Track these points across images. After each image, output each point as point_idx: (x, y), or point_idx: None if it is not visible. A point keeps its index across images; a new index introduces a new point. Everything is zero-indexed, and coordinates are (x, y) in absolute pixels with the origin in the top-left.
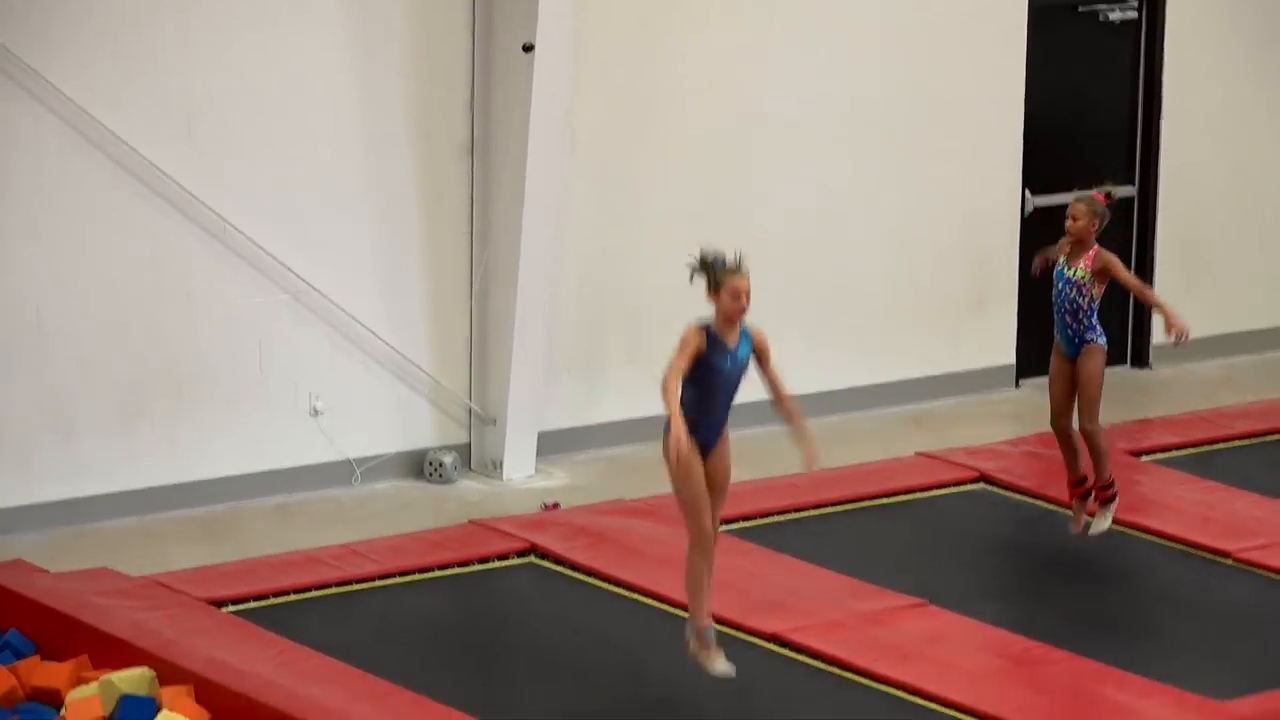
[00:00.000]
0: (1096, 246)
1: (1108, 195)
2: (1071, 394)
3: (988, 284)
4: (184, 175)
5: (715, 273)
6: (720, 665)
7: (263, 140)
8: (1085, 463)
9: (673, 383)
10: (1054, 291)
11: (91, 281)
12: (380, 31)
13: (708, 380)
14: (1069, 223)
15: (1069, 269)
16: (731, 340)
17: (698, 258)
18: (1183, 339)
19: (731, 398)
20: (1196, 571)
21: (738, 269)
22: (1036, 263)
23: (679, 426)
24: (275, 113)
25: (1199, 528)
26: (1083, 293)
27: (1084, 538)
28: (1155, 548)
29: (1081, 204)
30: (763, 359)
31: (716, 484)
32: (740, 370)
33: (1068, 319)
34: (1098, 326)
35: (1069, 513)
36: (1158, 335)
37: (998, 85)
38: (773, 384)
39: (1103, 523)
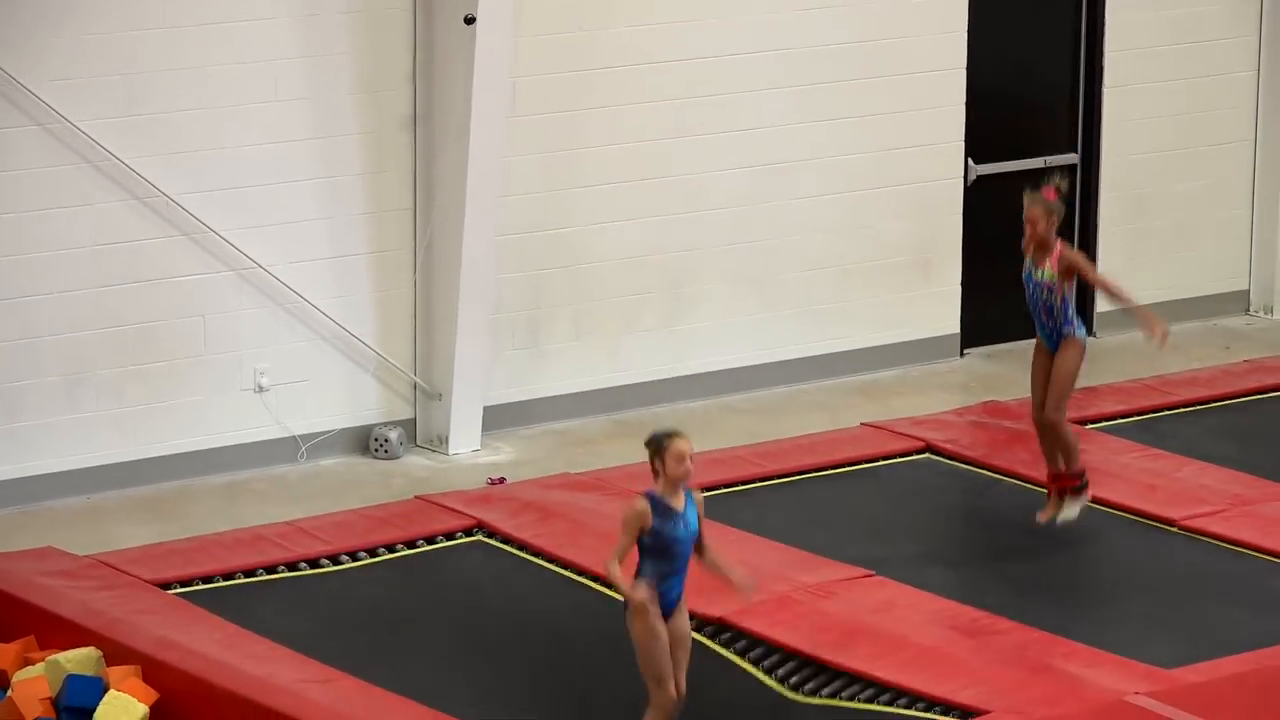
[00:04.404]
0: (1060, 244)
1: (1057, 189)
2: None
3: (931, 254)
4: (126, 150)
5: (658, 444)
6: None
7: (205, 114)
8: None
9: (614, 567)
10: (1026, 294)
11: (34, 259)
12: (322, 4)
13: (665, 550)
14: (1028, 228)
15: (1037, 271)
16: (679, 504)
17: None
18: (1165, 339)
19: (688, 559)
20: (1143, 539)
21: (678, 434)
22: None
23: (632, 590)
24: (217, 86)
25: (1145, 495)
26: (1053, 292)
27: (1050, 524)
28: (1101, 516)
29: (1036, 206)
30: (700, 506)
31: (680, 643)
32: (694, 533)
33: (1044, 318)
34: (1074, 320)
35: (1015, 481)
36: (1101, 303)
37: (940, 52)
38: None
39: (1071, 512)
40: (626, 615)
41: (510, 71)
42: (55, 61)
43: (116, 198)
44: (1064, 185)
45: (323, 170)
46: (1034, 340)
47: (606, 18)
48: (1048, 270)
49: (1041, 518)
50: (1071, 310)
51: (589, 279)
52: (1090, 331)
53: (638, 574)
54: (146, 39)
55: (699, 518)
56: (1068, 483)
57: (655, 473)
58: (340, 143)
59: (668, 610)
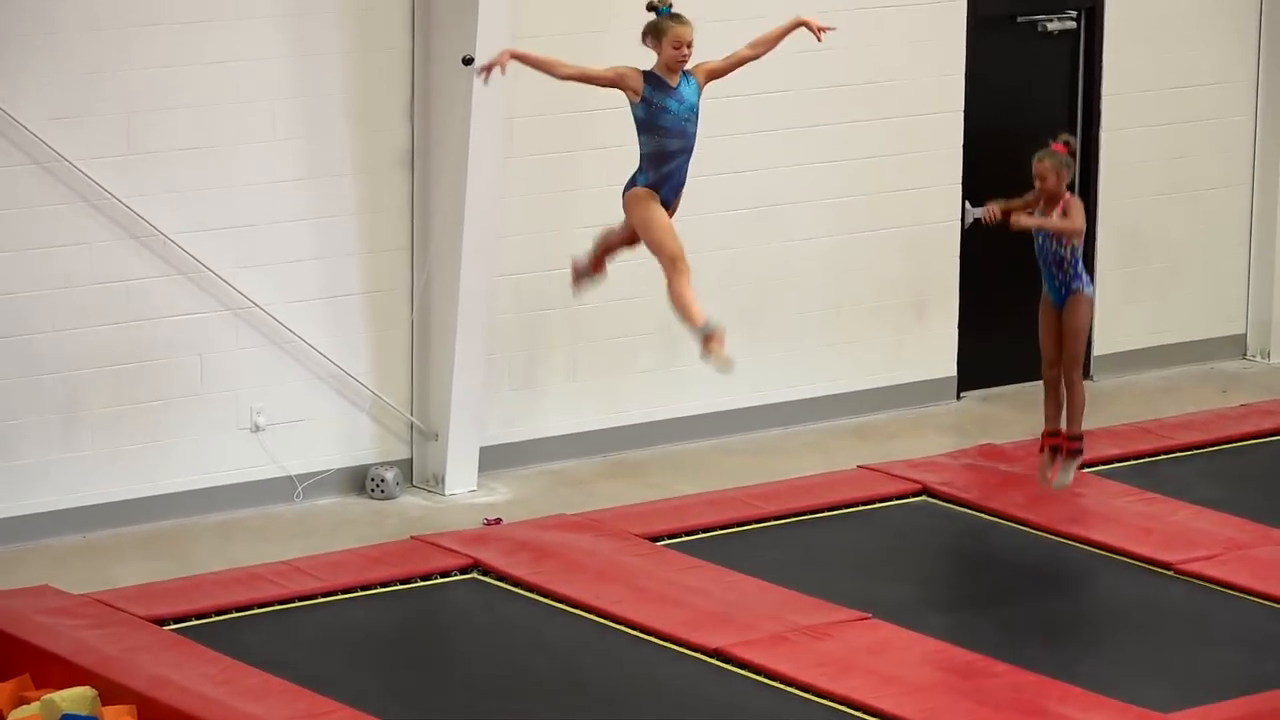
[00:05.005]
0: (1066, 195)
1: (1066, 144)
2: (1060, 344)
3: (928, 296)
4: (123, 188)
5: (659, 17)
6: (723, 356)
7: (202, 152)
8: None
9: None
10: (1035, 246)
11: (32, 296)
12: (319, 43)
13: (659, 123)
14: (1038, 183)
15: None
16: (674, 81)
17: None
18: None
19: (689, 153)
20: (1139, 583)
21: (680, 20)
22: (991, 211)
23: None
24: (215, 124)
25: (1141, 539)
26: (1062, 243)
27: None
28: (1097, 559)
29: (1046, 161)
30: (719, 69)
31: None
32: (690, 112)
33: (1053, 269)
34: (1083, 274)
35: (1010, 525)
36: (1100, 346)
37: (938, 96)
38: (751, 48)
39: (1066, 477)
40: (624, 201)
41: (508, 111)
42: (53, 99)
43: (114, 236)
44: (1073, 142)
45: (320, 209)
46: (1037, 378)
47: (603, 58)
48: (1055, 219)
49: (1051, 476)
50: (1080, 263)
51: (585, 320)
52: (1087, 375)
53: (640, 164)
54: (144, 77)
55: (724, 64)
56: (1068, 444)
57: (646, 43)
58: (337, 181)
59: (669, 199)
